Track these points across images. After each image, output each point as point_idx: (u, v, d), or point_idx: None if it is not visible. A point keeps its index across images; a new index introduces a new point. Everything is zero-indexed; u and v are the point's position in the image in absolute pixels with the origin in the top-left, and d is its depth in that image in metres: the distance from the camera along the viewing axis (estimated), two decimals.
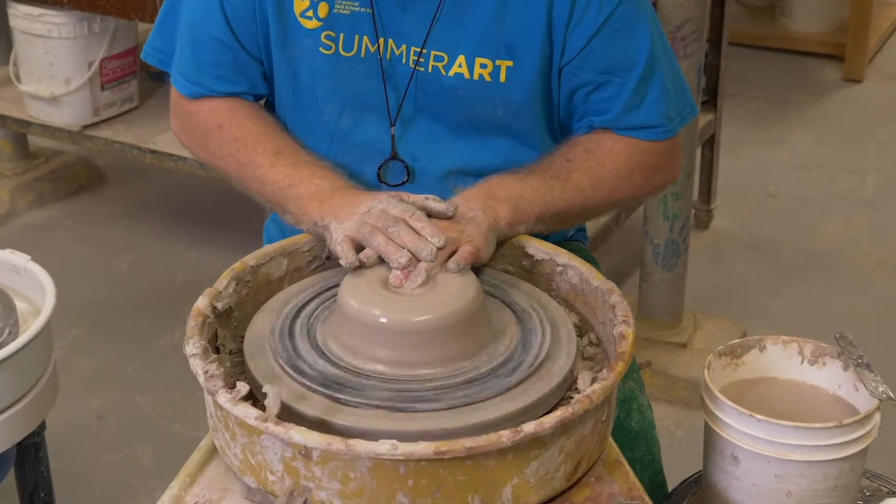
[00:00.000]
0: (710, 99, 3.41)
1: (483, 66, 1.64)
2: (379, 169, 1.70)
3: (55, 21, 3.30)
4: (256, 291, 1.55)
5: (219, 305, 1.47)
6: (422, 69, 1.66)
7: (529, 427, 1.26)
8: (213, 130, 1.73)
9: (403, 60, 1.66)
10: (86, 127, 3.41)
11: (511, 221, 1.58)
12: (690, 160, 2.93)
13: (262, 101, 1.80)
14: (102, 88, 3.39)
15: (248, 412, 1.28)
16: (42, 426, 1.94)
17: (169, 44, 1.78)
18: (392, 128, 1.69)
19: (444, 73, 1.65)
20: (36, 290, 1.92)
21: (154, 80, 3.59)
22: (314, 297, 1.50)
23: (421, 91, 1.67)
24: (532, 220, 1.60)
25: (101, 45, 3.35)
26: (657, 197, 2.88)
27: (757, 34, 4.79)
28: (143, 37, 3.52)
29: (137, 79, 3.49)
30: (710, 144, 3.50)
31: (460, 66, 1.64)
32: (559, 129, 1.74)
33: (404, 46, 1.65)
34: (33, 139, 3.81)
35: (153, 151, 3.30)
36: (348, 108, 1.70)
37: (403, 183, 1.70)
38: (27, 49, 3.38)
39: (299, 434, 1.24)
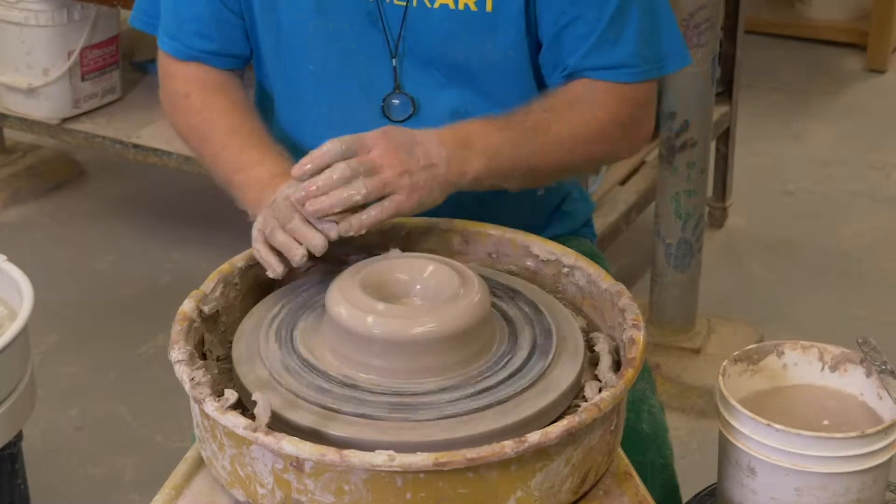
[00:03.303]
0: (726, 90, 3.41)
1: None
2: (383, 102, 1.72)
3: (33, 8, 3.30)
4: (245, 294, 1.55)
5: (205, 309, 1.48)
6: (403, 3, 1.67)
7: (534, 437, 1.26)
8: (182, 99, 1.78)
9: None
10: (65, 120, 3.41)
11: (480, 175, 1.56)
12: (704, 155, 2.93)
13: (242, 73, 1.84)
14: (83, 79, 3.39)
15: (236, 422, 1.28)
16: (19, 437, 1.94)
17: (155, 6, 1.82)
18: (393, 59, 1.70)
19: (429, 5, 1.67)
20: (12, 293, 1.92)
21: (137, 71, 3.59)
22: (306, 300, 1.50)
23: (408, 29, 1.68)
24: (502, 176, 1.60)
25: (82, 33, 3.35)
26: (670, 194, 2.89)
27: (775, 22, 4.79)
28: (125, 25, 3.52)
29: (120, 69, 3.49)
30: (725, 138, 3.50)
31: None
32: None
33: None
34: (9, 133, 3.81)
35: (136, 146, 3.30)
36: (335, 51, 1.72)
37: (409, 117, 1.71)
38: (3, 37, 3.38)
39: (291, 444, 1.25)
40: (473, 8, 1.67)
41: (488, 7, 1.66)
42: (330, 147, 1.47)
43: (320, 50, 1.72)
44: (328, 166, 1.46)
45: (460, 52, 1.70)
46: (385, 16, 1.68)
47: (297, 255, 1.46)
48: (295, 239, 1.46)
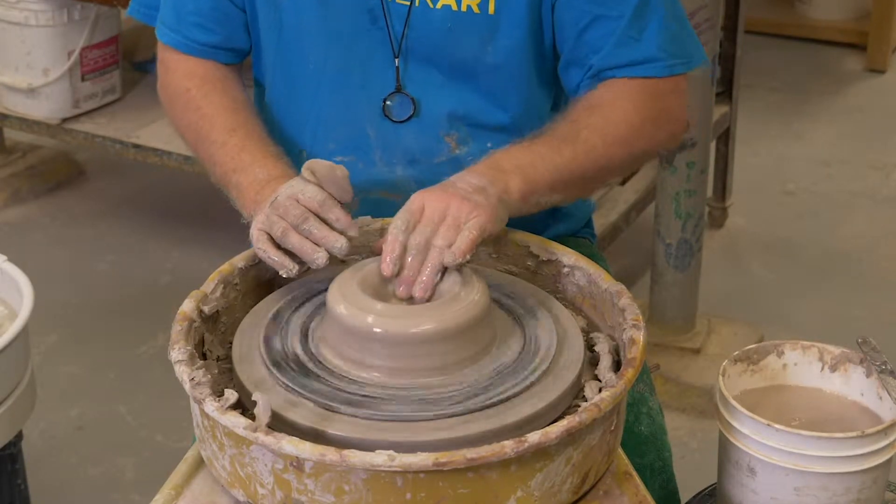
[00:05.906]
0: (726, 90, 3.41)
1: None
2: (383, 102, 1.71)
3: (33, 8, 3.30)
4: (245, 294, 1.55)
5: (206, 309, 1.48)
6: (406, 2, 1.67)
7: (534, 437, 1.26)
8: (182, 94, 1.77)
9: None
10: (65, 120, 3.41)
11: (523, 193, 1.55)
12: (705, 155, 2.93)
13: (240, 67, 1.84)
14: (83, 79, 3.39)
15: (236, 422, 1.28)
16: (19, 437, 1.94)
17: None
18: (396, 59, 1.70)
19: (431, 5, 1.67)
20: (12, 293, 1.92)
21: (137, 71, 3.60)
22: (306, 300, 1.50)
23: (411, 28, 1.69)
24: (545, 190, 1.58)
25: (82, 33, 3.35)
26: (670, 194, 2.89)
27: (775, 22, 4.79)
28: (125, 25, 3.53)
29: (120, 69, 3.50)
30: (725, 138, 3.50)
31: None
32: (554, 82, 1.76)
33: None
34: (9, 133, 3.81)
35: (136, 146, 3.30)
36: (336, 50, 1.72)
37: (409, 118, 1.71)
38: (3, 37, 3.39)
39: (291, 444, 1.25)
40: (476, 10, 1.66)
41: (491, 10, 1.66)
42: (394, 232, 1.44)
43: (321, 48, 1.72)
44: (403, 247, 1.44)
45: (461, 53, 1.69)
46: (388, 14, 1.68)
47: (320, 258, 1.44)
48: (310, 241, 1.45)
